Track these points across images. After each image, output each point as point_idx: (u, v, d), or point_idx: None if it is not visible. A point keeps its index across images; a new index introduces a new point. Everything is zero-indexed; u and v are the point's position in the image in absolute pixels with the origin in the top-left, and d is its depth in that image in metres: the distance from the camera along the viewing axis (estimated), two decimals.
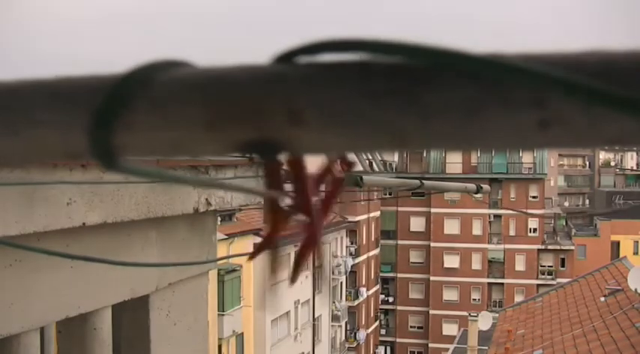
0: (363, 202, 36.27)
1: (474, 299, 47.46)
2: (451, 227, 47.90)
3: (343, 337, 37.62)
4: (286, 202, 1.04)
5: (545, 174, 48.48)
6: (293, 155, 1.01)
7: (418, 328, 49.22)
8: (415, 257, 49.43)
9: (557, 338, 16.05)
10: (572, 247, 48.51)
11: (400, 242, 49.47)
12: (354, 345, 39.90)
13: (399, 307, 49.65)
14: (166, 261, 3.13)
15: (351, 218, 35.17)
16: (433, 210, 47.28)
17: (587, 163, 68.87)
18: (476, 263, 48.00)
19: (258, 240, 21.62)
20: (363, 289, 41.67)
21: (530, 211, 39.70)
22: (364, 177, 3.80)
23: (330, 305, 33.11)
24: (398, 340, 49.32)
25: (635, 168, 71.57)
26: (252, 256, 1.08)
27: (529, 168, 47.91)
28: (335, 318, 35.02)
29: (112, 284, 2.83)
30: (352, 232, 39.28)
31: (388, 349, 49.12)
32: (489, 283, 48.19)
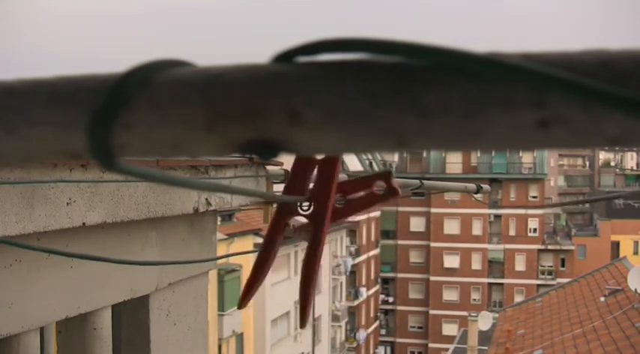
0: None
1: (474, 299, 47.46)
2: (451, 227, 47.90)
3: (343, 337, 37.62)
4: (302, 206, 1.03)
5: (545, 174, 48.49)
6: (328, 156, 0.99)
7: (418, 328, 49.22)
8: (415, 257, 49.43)
9: (557, 338, 16.07)
10: (572, 247, 48.53)
11: (400, 242, 49.48)
12: (354, 345, 39.89)
13: (399, 307, 49.66)
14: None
15: (350, 218, 35.14)
16: (433, 210, 47.29)
17: (587, 163, 68.85)
18: (476, 263, 48.00)
19: (259, 240, 21.61)
20: (363, 289, 41.66)
21: (530, 211, 39.70)
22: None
23: (330, 305, 33.09)
24: (398, 340, 49.32)
25: (635, 168, 71.56)
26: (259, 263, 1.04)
27: (529, 168, 47.92)
28: (335, 318, 35.01)
29: (112, 284, 2.83)
30: (352, 232, 39.28)
31: (388, 349, 49.12)
32: (489, 283, 48.19)
